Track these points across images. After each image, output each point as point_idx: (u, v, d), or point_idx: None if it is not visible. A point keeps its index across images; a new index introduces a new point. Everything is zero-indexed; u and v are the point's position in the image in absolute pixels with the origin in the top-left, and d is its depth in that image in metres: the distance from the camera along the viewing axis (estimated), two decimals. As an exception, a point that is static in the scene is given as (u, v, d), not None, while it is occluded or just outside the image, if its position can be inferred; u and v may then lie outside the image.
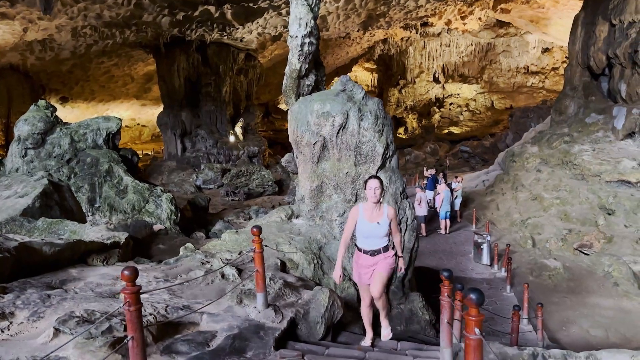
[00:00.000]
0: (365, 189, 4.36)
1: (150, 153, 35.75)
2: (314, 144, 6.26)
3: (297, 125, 6.31)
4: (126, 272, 2.74)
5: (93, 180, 13.20)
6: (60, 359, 3.17)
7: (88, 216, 12.55)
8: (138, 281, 5.17)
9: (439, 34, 42.67)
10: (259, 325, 4.19)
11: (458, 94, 47.94)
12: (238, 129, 28.77)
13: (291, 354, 3.93)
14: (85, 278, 4.81)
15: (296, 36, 7.91)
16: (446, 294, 3.72)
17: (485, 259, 11.43)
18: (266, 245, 5.78)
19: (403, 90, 48.14)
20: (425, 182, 17.22)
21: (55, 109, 13.60)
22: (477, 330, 2.22)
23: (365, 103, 6.40)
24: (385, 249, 4.38)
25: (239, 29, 25.53)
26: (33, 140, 12.63)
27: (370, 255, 4.36)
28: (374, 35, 36.50)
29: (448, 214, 14.22)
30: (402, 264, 4.61)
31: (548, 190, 13.86)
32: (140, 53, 27.99)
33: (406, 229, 6.42)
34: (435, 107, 48.21)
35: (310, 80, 8.49)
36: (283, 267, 5.70)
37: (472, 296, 2.20)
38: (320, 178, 6.38)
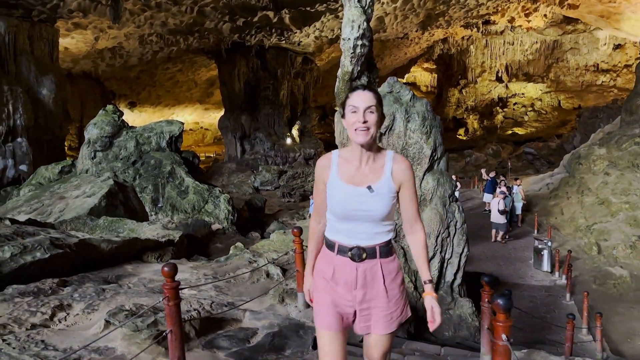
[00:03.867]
0: (344, 115, 2.04)
1: (212, 155, 37.01)
2: (360, 146, 6.27)
3: (342, 128, 6.34)
4: (166, 269, 2.89)
5: (156, 181, 13.87)
6: (109, 349, 3.40)
7: (151, 215, 13.19)
8: (188, 278, 5.42)
9: (502, 32, 41.18)
10: (299, 325, 4.27)
11: (522, 94, 46.08)
12: (295, 131, 29.21)
13: (328, 354, 3.96)
14: (139, 274, 5.10)
15: (349, 38, 7.98)
16: (486, 300, 3.63)
17: (546, 265, 10.92)
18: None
19: (464, 90, 46.92)
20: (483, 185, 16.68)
21: (122, 113, 14.41)
22: (504, 337, 2.17)
23: (413, 105, 6.33)
24: (386, 250, 2.08)
25: (296, 33, 25.92)
26: (101, 143, 13.45)
27: (352, 257, 2.05)
28: (433, 34, 35.84)
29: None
30: (437, 312, 2.00)
31: (616, 194, 13.04)
32: (203, 59, 29.07)
33: (455, 232, 6.28)
34: (498, 107, 46.60)
35: (363, 82, 8.51)
36: (328, 268, 5.74)
37: (500, 301, 2.15)
38: (366, 180, 6.37)
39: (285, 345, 3.96)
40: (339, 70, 8.28)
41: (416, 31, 30.95)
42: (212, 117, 38.02)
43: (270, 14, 23.42)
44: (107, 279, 4.74)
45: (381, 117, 2.04)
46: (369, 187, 1.99)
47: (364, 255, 2.05)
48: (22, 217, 8.96)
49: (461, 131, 46.38)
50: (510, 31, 40.77)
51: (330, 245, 2.12)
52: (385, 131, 6.15)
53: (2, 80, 16.52)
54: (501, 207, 12.85)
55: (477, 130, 45.91)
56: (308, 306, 4.50)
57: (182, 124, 15.07)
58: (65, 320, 3.72)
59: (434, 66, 48.50)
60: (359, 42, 8.06)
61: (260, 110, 28.19)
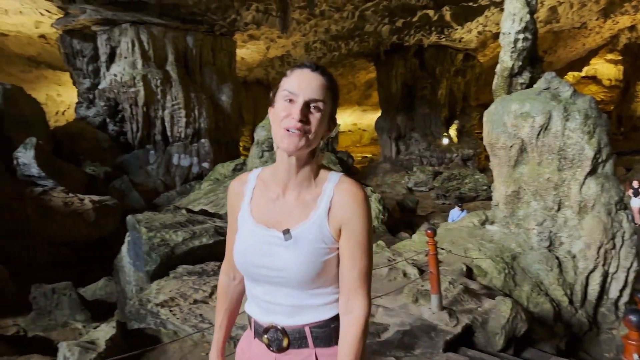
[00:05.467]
0: (273, 103, 1.35)
1: (368, 156, 37.82)
2: (510, 146, 5.93)
3: (492, 127, 6.07)
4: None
5: (313, 179, 14.75)
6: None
7: (307, 211, 14.08)
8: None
9: None
10: (431, 326, 4.25)
11: None
12: (452, 131, 28.28)
13: (459, 359, 3.89)
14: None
15: (509, 33, 7.75)
16: None
17: None
18: (449, 251, 5.75)
19: (658, 84, 40.34)
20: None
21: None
22: (635, 356, 1.95)
23: (573, 102, 5.77)
24: (326, 334, 1.33)
25: (457, 30, 25.16)
26: (268, 143, 14.75)
27: (268, 345, 1.36)
28: (618, 22, 31.50)
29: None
30: None
31: None
32: (363, 62, 29.87)
33: (622, 244, 5.57)
34: None
35: (524, 78, 8.07)
36: (469, 274, 5.56)
37: (632, 317, 1.94)
38: (517, 183, 6.00)
39: (415, 345, 3.99)
40: (498, 65, 8.01)
41: (596, 19, 27.61)
42: (369, 118, 38.83)
43: (431, 12, 23.11)
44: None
45: (331, 120, 1.34)
46: (285, 232, 1.27)
47: (285, 343, 1.31)
48: (199, 208, 10.34)
49: (653, 130, 39.98)
50: None
51: (249, 323, 1.43)
52: (540, 131, 5.72)
53: (190, 89, 19.13)
54: None
55: (674, 130, 39.12)
56: (443, 308, 4.45)
57: (339, 125, 15.76)
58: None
59: (620, 57, 42.60)
60: (520, 36, 7.75)
61: (416, 110, 27.93)
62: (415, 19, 23.69)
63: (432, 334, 4.16)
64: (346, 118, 38.57)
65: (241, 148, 26.47)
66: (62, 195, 10.75)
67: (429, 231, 4.37)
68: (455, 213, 10.83)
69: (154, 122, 18.49)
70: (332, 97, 1.32)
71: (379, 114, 30.46)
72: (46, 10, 18.22)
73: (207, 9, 18.44)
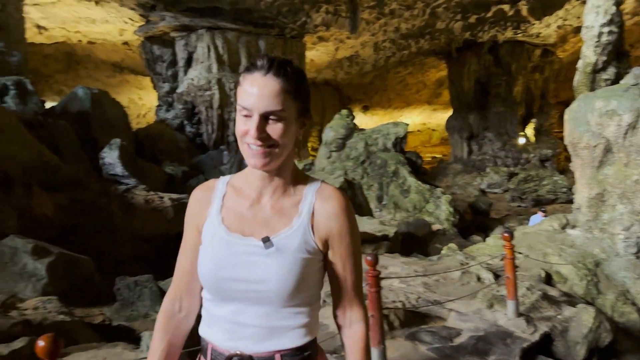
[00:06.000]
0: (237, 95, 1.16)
1: (437, 156, 36.98)
2: (594, 146, 5.59)
3: (574, 126, 5.75)
4: (368, 258, 3.17)
5: (381, 180, 14.66)
6: (323, 325, 3.87)
7: (376, 212, 14.01)
8: (399, 271, 5.69)
9: None
10: (507, 333, 4.10)
11: None
12: (529, 130, 27.02)
13: (537, 368, 3.73)
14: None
15: (592, 26, 7.36)
16: None
17: None
18: (527, 255, 5.51)
19: None
20: None
21: (354, 117, 15.66)
22: None
23: (668, 97, 5.35)
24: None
25: (534, 25, 24.04)
26: (336, 144, 14.87)
27: None
28: None
29: None
30: None
31: None
32: (433, 60, 29.28)
33: None
34: None
35: (609, 73, 7.61)
36: (548, 280, 5.31)
37: None
38: (601, 185, 5.65)
39: (490, 351, 3.88)
40: (580, 61, 7.63)
41: (695, 7, 25.30)
42: (439, 117, 37.98)
43: (506, 7, 22.25)
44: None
45: (302, 115, 1.18)
46: (266, 240, 1.14)
47: None
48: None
49: None
50: None
51: (203, 349, 1.24)
52: (627, 130, 5.34)
53: (261, 91, 19.70)
54: None
55: None
56: (519, 315, 4.28)
57: (407, 125, 15.57)
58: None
59: None
60: (605, 30, 7.33)
61: (490, 108, 26.95)
62: (489, 14, 22.91)
63: (507, 341, 4.02)
64: (415, 117, 37.97)
65: (309, 149, 26.85)
66: (143, 193, 11.44)
67: (505, 234, 4.22)
68: (536, 219, 10.29)
69: (227, 124, 19.20)
70: (296, 96, 1.13)
71: (449, 113, 29.72)
72: (129, 19, 19.48)
73: (279, 12, 18.88)
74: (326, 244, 1.19)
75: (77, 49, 23.80)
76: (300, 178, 1.24)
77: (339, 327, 1.28)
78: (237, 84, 1.18)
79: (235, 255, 1.15)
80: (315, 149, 29.75)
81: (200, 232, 1.22)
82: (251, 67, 1.12)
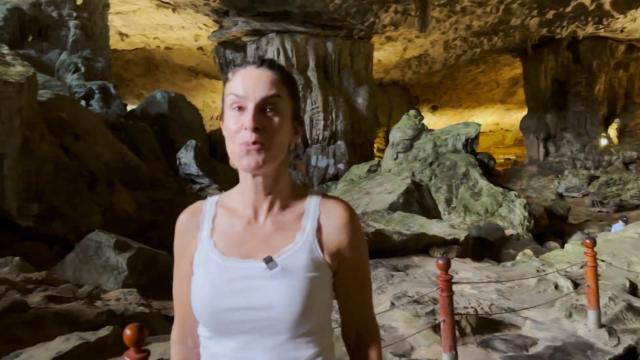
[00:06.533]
0: (222, 116, 1.06)
1: (511, 157, 35.53)
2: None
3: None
4: (440, 262, 3.10)
5: (451, 182, 14.31)
6: (392, 328, 3.86)
7: (444, 215, 13.69)
8: (470, 277, 5.55)
9: None
10: (587, 344, 3.87)
11: None
12: (612, 131, 25.29)
13: (623, 385, 3.50)
14: (425, 266, 5.49)
15: None
16: None
17: None
18: (610, 264, 5.17)
19: None
20: None
21: (422, 117, 15.40)
22: None
23: None
24: None
25: (618, 19, 22.51)
26: (403, 145, 14.69)
27: None
28: None
29: None
30: None
31: None
32: (507, 58, 28.20)
33: None
34: None
35: None
36: (633, 290, 4.95)
37: None
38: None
39: (569, 363, 3.68)
40: None
41: None
42: (513, 117, 36.48)
43: (587, 1, 21.01)
44: (397, 267, 5.30)
45: (296, 120, 1.07)
46: (268, 260, 1.01)
47: None
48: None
49: None
50: None
51: None
52: None
53: (328, 93, 19.85)
54: None
55: None
56: (601, 326, 4.03)
57: (479, 125, 15.10)
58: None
59: None
60: None
61: (569, 108, 25.55)
62: (568, 9, 21.74)
63: (587, 353, 3.79)
64: (487, 117, 36.70)
65: (375, 150, 26.72)
66: (216, 192, 11.92)
67: (587, 240, 3.98)
68: (617, 227, 9.62)
69: (296, 125, 19.57)
70: (291, 93, 1.05)
71: (524, 112, 28.51)
72: (204, 24, 20.36)
73: (347, 13, 18.95)
74: (336, 259, 1.05)
75: (156, 54, 25.22)
76: (298, 190, 1.11)
77: (347, 348, 1.14)
78: (225, 80, 1.05)
79: (233, 281, 1.00)
80: (381, 150, 29.61)
81: (192, 262, 1.07)
82: (243, 63, 1.03)
